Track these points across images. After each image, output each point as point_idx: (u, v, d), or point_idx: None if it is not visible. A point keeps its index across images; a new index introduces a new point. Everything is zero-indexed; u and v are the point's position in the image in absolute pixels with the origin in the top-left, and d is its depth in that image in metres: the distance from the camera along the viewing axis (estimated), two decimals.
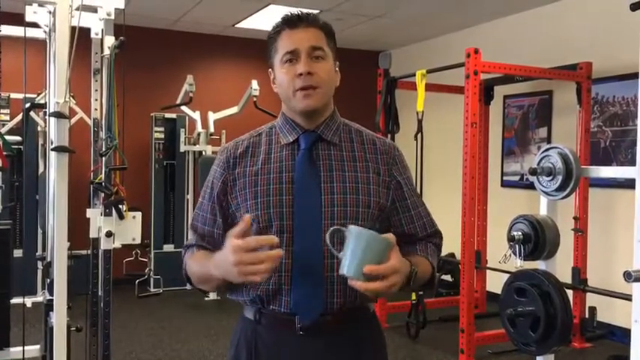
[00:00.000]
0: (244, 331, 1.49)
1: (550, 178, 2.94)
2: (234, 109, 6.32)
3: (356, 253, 1.26)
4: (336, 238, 1.32)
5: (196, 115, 6.43)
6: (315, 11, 5.96)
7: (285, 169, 1.45)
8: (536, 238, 2.93)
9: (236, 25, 6.79)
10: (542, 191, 3.00)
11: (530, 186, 4.84)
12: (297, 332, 1.41)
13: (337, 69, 1.52)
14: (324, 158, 1.46)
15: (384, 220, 1.50)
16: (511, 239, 2.97)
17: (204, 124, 6.42)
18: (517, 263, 2.97)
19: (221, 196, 1.48)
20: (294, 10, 1.50)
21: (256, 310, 1.46)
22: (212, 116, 6.39)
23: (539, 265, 3.02)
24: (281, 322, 1.42)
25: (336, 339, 1.42)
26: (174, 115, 6.71)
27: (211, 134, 6.43)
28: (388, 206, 1.50)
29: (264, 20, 6.42)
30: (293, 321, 1.41)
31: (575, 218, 4.75)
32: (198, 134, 6.46)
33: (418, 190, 4.73)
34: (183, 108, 6.26)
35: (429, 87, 4.89)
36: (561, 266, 3.18)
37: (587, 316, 4.71)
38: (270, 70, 1.51)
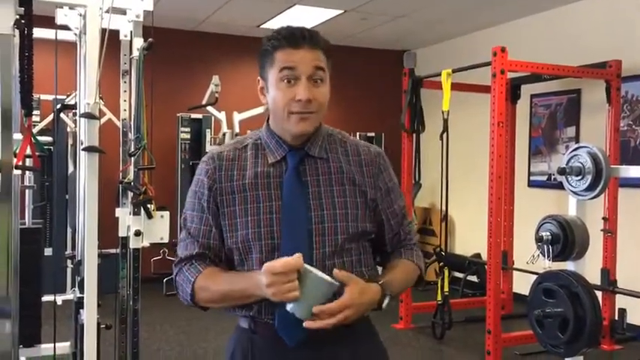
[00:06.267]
0: (240, 341, 1.48)
1: (579, 177, 2.90)
2: (259, 110, 6.34)
3: (303, 294, 1.29)
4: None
5: (222, 116, 6.47)
6: (339, 11, 5.96)
7: (273, 186, 1.43)
8: (565, 239, 2.90)
9: (261, 26, 6.82)
10: (571, 191, 2.97)
11: (558, 186, 4.79)
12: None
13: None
14: (311, 174, 1.45)
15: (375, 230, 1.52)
16: (539, 240, 2.95)
17: (230, 125, 6.47)
18: (545, 264, 2.94)
19: (213, 205, 1.45)
20: (325, 13, 1.48)
21: (251, 320, 1.45)
22: (237, 116, 6.43)
23: (568, 265, 2.98)
24: (276, 332, 1.41)
25: (333, 349, 1.41)
26: (200, 116, 6.77)
27: (237, 134, 6.46)
28: (378, 219, 1.52)
29: (289, 21, 6.43)
30: None
31: (604, 219, 4.67)
32: (224, 134, 6.50)
33: (444, 191, 4.73)
34: (209, 108, 6.31)
35: (455, 86, 4.86)
36: (590, 267, 3.14)
37: (616, 317, 4.64)
38: (259, 78, 1.47)
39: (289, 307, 1.31)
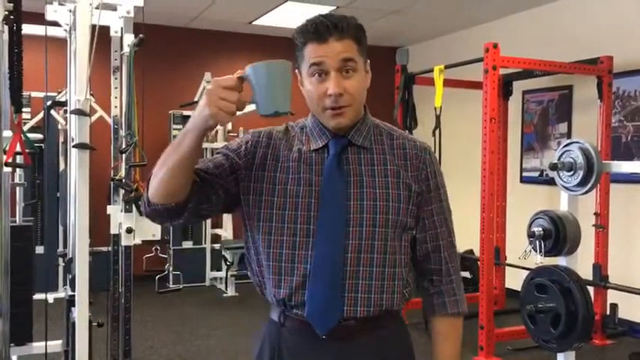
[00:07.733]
0: (269, 333, 1.48)
1: (571, 173, 2.91)
2: (250, 107, 6.32)
3: (262, 88, 1.28)
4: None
5: None
6: (332, 7, 5.95)
7: (315, 172, 1.42)
8: (557, 234, 2.91)
9: (253, 23, 6.81)
10: (563, 186, 2.98)
11: (550, 182, 4.79)
12: (320, 337, 1.38)
13: (368, 68, 1.45)
14: (353, 163, 1.43)
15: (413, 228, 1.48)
16: (531, 235, 2.96)
17: None
18: (537, 259, 2.95)
19: (234, 157, 1.45)
20: (317, 10, 1.48)
21: (281, 312, 1.44)
22: None
23: (560, 261, 2.99)
24: (305, 325, 1.39)
25: (360, 345, 1.39)
26: (192, 113, 6.74)
27: (229, 131, 6.45)
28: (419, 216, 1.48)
29: (281, 17, 6.42)
30: None
31: (595, 214, 4.70)
32: (216, 132, 6.48)
33: None
34: None
35: (447, 82, 4.86)
36: (582, 262, 3.15)
37: (608, 312, 4.66)
38: (297, 70, 1.44)
39: (261, 108, 1.30)
